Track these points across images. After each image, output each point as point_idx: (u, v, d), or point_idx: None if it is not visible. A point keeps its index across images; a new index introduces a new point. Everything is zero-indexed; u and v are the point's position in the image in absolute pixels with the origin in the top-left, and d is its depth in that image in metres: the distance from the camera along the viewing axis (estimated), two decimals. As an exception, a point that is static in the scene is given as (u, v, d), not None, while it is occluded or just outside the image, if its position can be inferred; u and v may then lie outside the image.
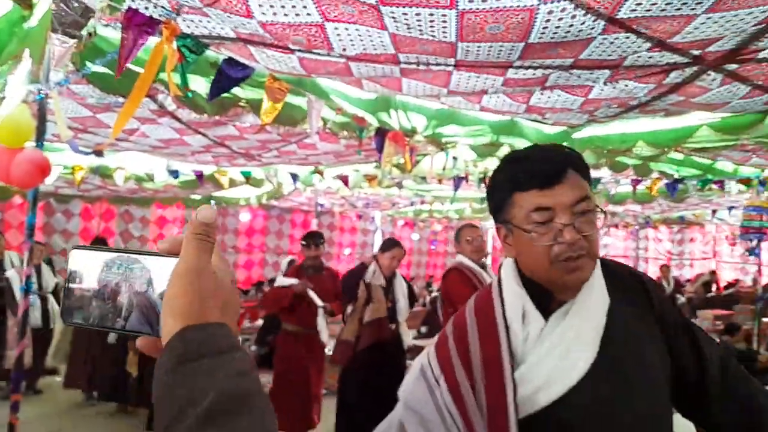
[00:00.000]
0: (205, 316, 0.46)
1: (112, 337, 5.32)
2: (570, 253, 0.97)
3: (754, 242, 4.08)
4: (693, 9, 1.47)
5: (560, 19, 1.59)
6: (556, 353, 1.00)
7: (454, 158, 3.94)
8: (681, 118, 3.48)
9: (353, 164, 5.26)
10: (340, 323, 4.54)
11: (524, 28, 1.66)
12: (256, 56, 2.38)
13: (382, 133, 3.19)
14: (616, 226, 13.74)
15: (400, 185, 5.31)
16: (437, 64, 2.18)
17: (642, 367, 1.03)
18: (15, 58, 2.33)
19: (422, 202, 8.21)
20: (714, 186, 4.67)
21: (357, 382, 4.05)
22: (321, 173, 4.99)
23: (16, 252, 6.11)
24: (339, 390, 4.23)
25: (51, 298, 6.10)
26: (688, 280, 13.10)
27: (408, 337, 4.21)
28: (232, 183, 5.44)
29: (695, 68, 2.04)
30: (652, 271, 14.64)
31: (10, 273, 5.50)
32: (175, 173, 4.93)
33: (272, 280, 9.97)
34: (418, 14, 1.64)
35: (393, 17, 1.69)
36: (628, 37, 1.73)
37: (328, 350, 4.67)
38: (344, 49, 2.11)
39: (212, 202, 8.81)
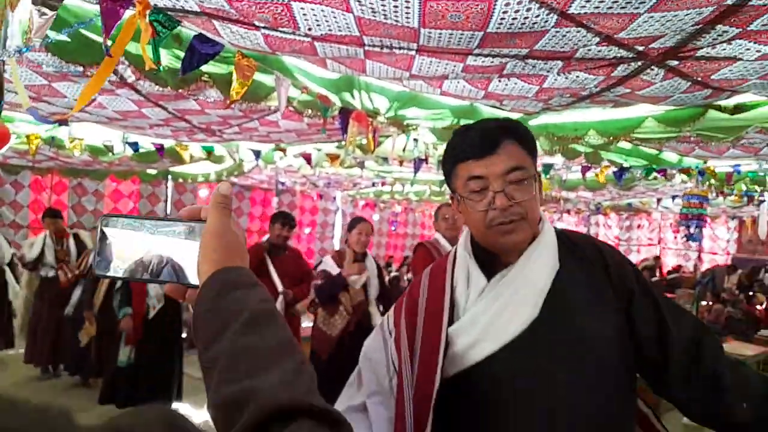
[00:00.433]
0: (232, 261, 0.61)
1: (69, 310, 5.25)
2: (502, 219, 1.05)
3: (692, 228, 4.35)
4: (636, 8, 1.59)
5: (516, 11, 1.68)
6: (492, 311, 1.07)
7: (415, 140, 4.02)
8: (629, 109, 3.67)
9: (315, 143, 5.29)
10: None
11: (483, 18, 1.75)
12: (220, 31, 2.39)
13: (346, 113, 3.24)
14: (569, 211, 14.22)
15: (362, 165, 5.37)
16: (400, 48, 2.25)
17: (586, 333, 1.06)
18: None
19: (383, 184, 8.30)
20: (658, 175, 4.92)
21: (329, 358, 4.03)
22: (283, 151, 5.00)
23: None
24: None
25: (8, 270, 5.93)
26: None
27: (377, 317, 4.19)
28: (193, 158, 5.38)
29: (639, 63, 2.17)
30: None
31: None
32: (134, 145, 4.84)
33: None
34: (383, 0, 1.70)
35: (358, 1, 1.74)
36: (579, 31, 1.84)
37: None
38: (309, 29, 2.15)
39: (170, 177, 8.67)
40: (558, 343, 1.05)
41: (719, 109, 3.39)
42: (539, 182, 1.14)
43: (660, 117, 3.64)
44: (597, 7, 1.59)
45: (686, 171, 4.83)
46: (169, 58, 2.67)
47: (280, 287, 4.32)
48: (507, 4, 1.64)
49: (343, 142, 3.26)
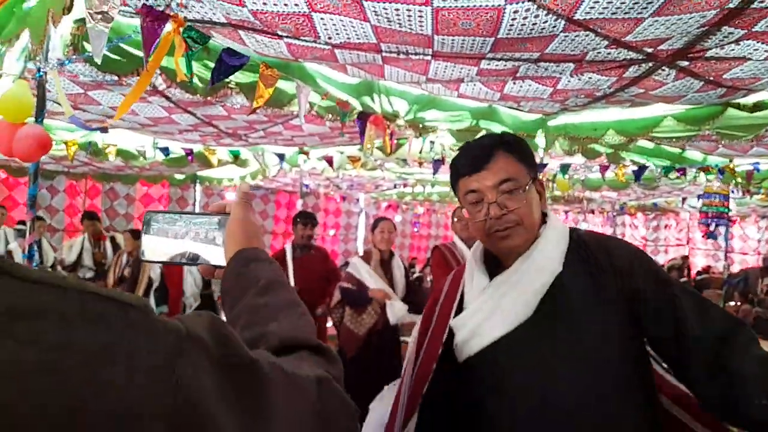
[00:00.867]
0: (251, 243, 0.77)
1: None
2: (498, 226, 1.14)
3: (713, 227, 4.33)
4: (640, 13, 1.65)
5: (525, 17, 1.76)
6: (487, 307, 1.17)
7: (431, 142, 4.11)
8: (647, 108, 3.68)
9: (338, 146, 5.41)
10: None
11: (493, 25, 1.83)
12: (245, 41, 2.52)
13: (364, 117, 3.35)
14: (593, 212, 14.09)
15: (382, 167, 5.47)
16: (416, 54, 2.34)
17: (586, 333, 1.09)
18: (14, 37, 2.45)
19: (404, 185, 8.39)
20: (677, 174, 4.91)
21: (355, 356, 4.09)
22: (306, 154, 5.13)
23: (9, 228, 6.17)
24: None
25: None
26: (662, 266, 13.52)
27: (393, 314, 4.16)
28: (220, 162, 5.56)
29: (650, 64, 2.23)
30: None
31: (12, 246, 5.55)
32: (165, 150, 5.04)
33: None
34: (397, 9, 1.80)
35: (374, 11, 1.85)
36: (587, 35, 1.91)
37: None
38: (329, 38, 2.26)
39: (198, 181, 8.91)
40: (559, 341, 1.11)
41: (738, 107, 3.39)
42: (540, 186, 1.22)
43: (679, 116, 3.65)
44: (601, 13, 1.66)
45: (706, 169, 4.80)
46: (198, 67, 2.81)
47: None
48: (515, 12, 1.73)
49: (362, 145, 3.36)
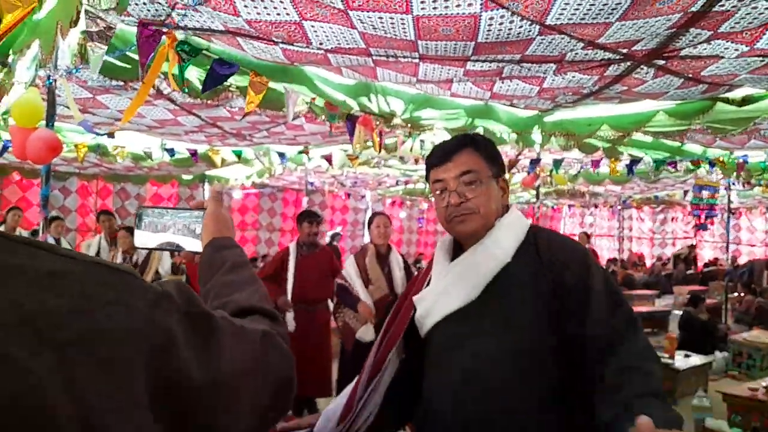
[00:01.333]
0: (222, 233, 0.92)
1: None
2: (455, 213, 1.27)
3: (703, 218, 4.39)
4: (607, 18, 1.75)
5: (501, 23, 1.87)
6: (440, 287, 1.31)
7: (422, 141, 4.23)
8: (640, 103, 3.77)
9: (340, 144, 5.53)
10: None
11: (472, 31, 1.94)
12: (243, 46, 2.64)
13: (352, 118, 3.50)
14: (596, 206, 14.12)
15: (379, 165, 5.59)
16: (404, 57, 2.46)
17: (512, 316, 1.20)
18: (25, 46, 2.59)
19: (406, 183, 8.50)
20: (668, 167, 4.98)
21: (352, 350, 4.21)
22: (307, 152, 5.25)
23: (25, 231, 6.35)
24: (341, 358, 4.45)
25: None
26: (669, 259, 13.54)
27: (362, 334, 4.21)
28: (224, 162, 5.70)
29: (628, 63, 2.32)
30: (636, 249, 15.13)
31: None
32: (171, 151, 5.18)
33: (265, 257, 10.28)
34: (380, 18, 1.91)
35: (360, 19, 1.96)
36: (562, 38, 2.01)
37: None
38: (321, 43, 2.38)
39: (206, 180, 9.08)
40: (491, 323, 1.22)
41: (727, 101, 3.47)
42: (504, 183, 1.34)
43: (670, 110, 3.72)
44: (570, 18, 1.77)
45: (697, 163, 4.86)
46: (199, 72, 2.94)
47: (290, 284, 4.50)
48: (491, 18, 1.83)
49: (356, 145, 3.51)
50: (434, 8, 1.79)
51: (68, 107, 3.43)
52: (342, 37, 2.23)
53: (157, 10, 2.26)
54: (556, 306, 1.18)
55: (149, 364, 0.51)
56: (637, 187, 8.79)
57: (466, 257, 1.30)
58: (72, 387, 0.44)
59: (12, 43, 2.56)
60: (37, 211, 7.97)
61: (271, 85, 2.96)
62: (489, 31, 1.93)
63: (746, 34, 1.96)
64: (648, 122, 3.96)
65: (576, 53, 2.19)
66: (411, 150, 4.35)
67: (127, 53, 2.81)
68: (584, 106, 3.88)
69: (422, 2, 1.75)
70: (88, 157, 6.01)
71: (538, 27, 1.90)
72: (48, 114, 2.76)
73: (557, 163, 5.13)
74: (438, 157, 1.31)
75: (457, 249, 1.36)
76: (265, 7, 2.05)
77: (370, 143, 3.68)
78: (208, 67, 2.80)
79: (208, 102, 3.42)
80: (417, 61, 2.48)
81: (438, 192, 1.31)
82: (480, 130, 4.25)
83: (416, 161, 4.90)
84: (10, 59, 2.56)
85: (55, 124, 4.41)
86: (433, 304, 1.30)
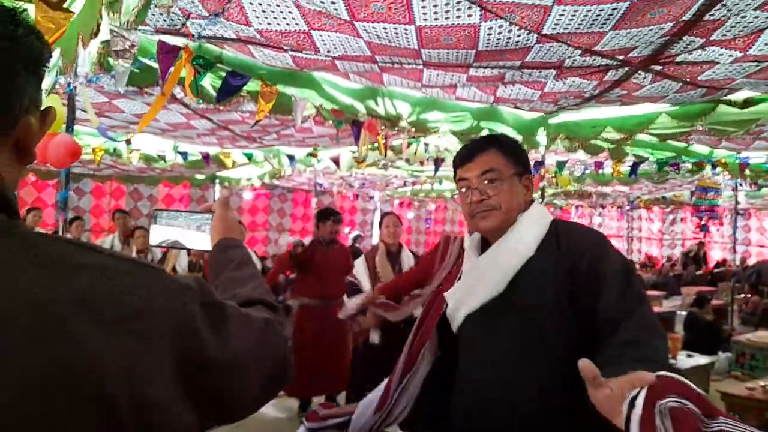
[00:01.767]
0: (229, 234, 1.02)
1: None
2: (477, 209, 1.34)
3: (704, 219, 4.43)
4: (601, 27, 1.83)
5: (499, 33, 1.95)
6: (468, 283, 1.38)
7: (426, 144, 4.33)
8: (644, 105, 3.82)
9: (349, 146, 5.63)
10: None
11: (472, 40, 2.02)
12: (254, 54, 2.75)
13: (357, 124, 3.62)
14: (603, 206, 14.11)
15: (386, 167, 5.67)
16: (409, 64, 2.55)
17: (532, 307, 1.25)
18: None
19: (414, 183, 8.57)
20: (671, 168, 5.02)
21: (363, 345, 4.30)
22: (315, 155, 5.35)
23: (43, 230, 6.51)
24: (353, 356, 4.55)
25: None
26: (678, 260, 13.51)
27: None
28: (235, 164, 5.82)
29: (626, 69, 2.40)
30: (645, 250, 15.11)
31: None
32: (184, 154, 5.31)
33: (275, 256, 10.40)
34: (385, 28, 2.00)
35: (365, 29, 2.05)
36: (560, 46, 2.09)
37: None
38: (329, 51, 2.48)
39: (217, 181, 9.22)
40: (512, 315, 1.28)
41: (729, 103, 3.52)
42: (528, 182, 1.40)
43: (672, 112, 3.78)
44: (566, 28, 1.85)
45: (699, 164, 4.90)
46: (212, 78, 3.05)
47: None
48: (490, 28, 1.92)
49: (361, 148, 3.63)
50: (435, 19, 1.87)
51: (85, 111, 3.56)
52: (348, 45, 2.32)
53: (172, 20, 2.37)
54: (573, 288, 1.22)
55: (176, 344, 0.60)
56: (645, 187, 8.80)
57: (491, 253, 1.36)
58: (121, 359, 0.54)
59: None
60: (52, 212, 8.15)
61: (281, 89, 3.06)
62: (489, 39, 2.01)
63: (739, 41, 2.03)
64: (651, 124, 4.02)
65: (574, 60, 2.26)
66: (416, 153, 4.43)
67: (143, 60, 2.93)
68: (587, 109, 3.95)
69: (424, 13, 1.84)
70: (103, 159, 6.16)
71: (535, 36, 1.98)
72: (68, 119, 2.88)
73: (560, 165, 5.19)
74: (462, 157, 1.40)
75: (485, 244, 1.43)
76: (275, 18, 2.15)
77: (373, 146, 3.78)
78: (222, 74, 2.92)
79: (220, 107, 3.54)
80: (421, 67, 2.57)
81: (463, 190, 1.39)
82: (485, 132, 4.33)
83: (422, 164, 4.98)
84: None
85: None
86: (462, 300, 1.37)
